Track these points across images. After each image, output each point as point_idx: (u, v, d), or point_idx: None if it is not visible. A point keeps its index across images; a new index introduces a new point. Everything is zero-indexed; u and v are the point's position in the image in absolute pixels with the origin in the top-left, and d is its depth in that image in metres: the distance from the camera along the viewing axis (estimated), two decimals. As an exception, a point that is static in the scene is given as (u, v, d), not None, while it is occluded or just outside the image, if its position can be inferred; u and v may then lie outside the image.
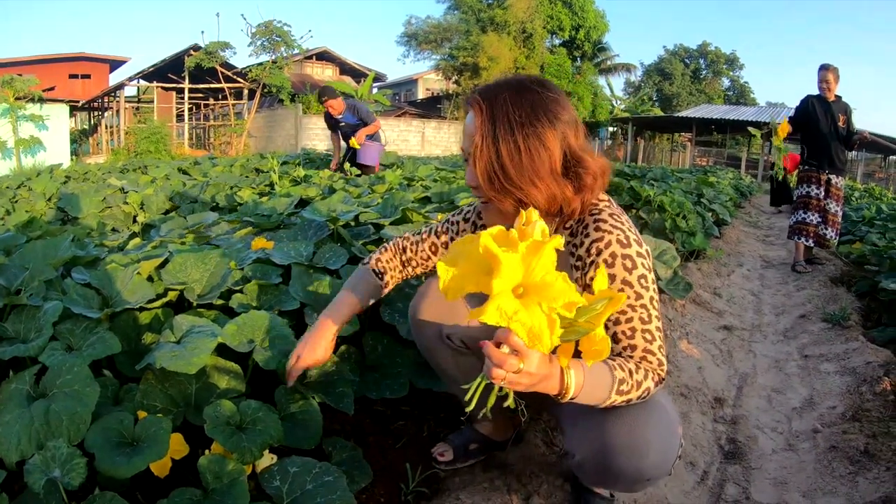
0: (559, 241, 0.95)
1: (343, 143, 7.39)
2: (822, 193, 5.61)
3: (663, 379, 1.34)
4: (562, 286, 0.93)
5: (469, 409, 1.09)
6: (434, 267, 1.73)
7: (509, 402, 1.12)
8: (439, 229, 1.73)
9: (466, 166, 1.42)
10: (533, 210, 1.04)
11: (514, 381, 1.06)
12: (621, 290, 1.32)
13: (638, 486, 1.47)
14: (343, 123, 7.35)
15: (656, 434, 1.34)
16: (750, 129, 8.72)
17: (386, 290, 1.76)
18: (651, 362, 1.33)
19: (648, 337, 1.33)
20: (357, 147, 7.17)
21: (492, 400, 1.10)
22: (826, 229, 5.62)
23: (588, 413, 1.37)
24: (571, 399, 1.18)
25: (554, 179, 1.33)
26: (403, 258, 1.75)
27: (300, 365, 1.60)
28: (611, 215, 1.40)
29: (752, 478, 2.15)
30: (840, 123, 5.43)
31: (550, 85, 1.38)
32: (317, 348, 1.60)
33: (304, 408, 1.67)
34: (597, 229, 1.37)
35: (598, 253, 1.35)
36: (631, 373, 1.27)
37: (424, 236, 1.74)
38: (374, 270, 1.73)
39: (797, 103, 5.74)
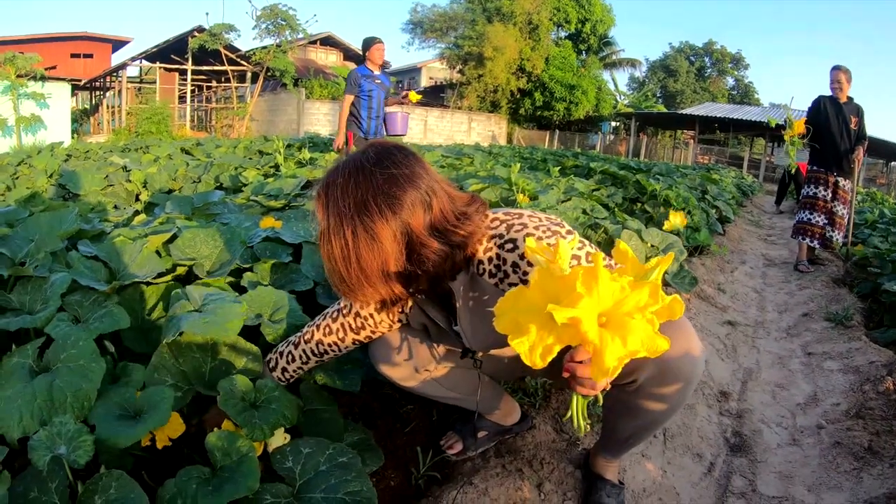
0: (600, 258, 0.93)
1: (363, 112, 6.42)
2: (830, 195, 5.55)
3: None
4: (631, 291, 0.91)
5: (581, 433, 1.07)
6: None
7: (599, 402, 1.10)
8: (355, 325, 1.55)
9: None
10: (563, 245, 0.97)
11: (603, 385, 1.03)
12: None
13: (689, 387, 1.37)
14: (378, 81, 6.44)
15: (693, 336, 1.33)
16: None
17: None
18: None
19: None
20: (414, 100, 6.66)
21: (581, 407, 1.07)
22: (832, 231, 5.56)
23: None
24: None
25: (384, 281, 1.22)
26: (323, 359, 1.62)
27: None
28: (505, 214, 1.34)
29: (757, 471, 2.14)
30: (852, 125, 5.35)
31: (395, 158, 1.21)
32: None
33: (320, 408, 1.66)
34: (511, 241, 1.28)
35: (521, 242, 1.26)
36: None
37: (342, 335, 1.57)
38: (279, 378, 1.64)
39: (809, 103, 5.65)
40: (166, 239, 2.14)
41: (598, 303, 0.89)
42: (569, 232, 1.28)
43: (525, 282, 1.22)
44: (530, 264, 1.19)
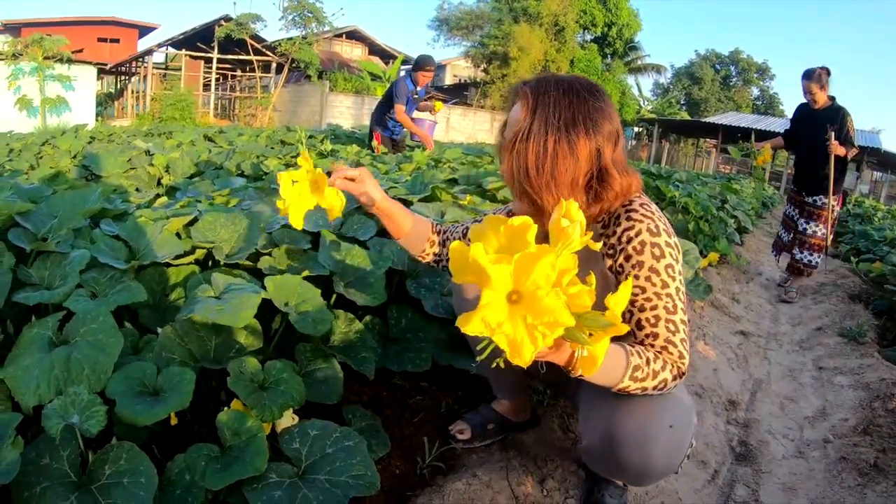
0: (568, 260, 0.93)
1: (392, 122, 6.92)
2: (797, 213, 5.25)
3: (683, 373, 1.32)
4: (551, 304, 0.89)
5: (480, 357, 1.06)
6: None
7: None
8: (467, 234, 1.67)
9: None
10: (573, 204, 1.03)
11: None
12: (648, 277, 1.32)
13: (642, 481, 1.45)
14: (416, 96, 6.90)
15: (666, 431, 1.32)
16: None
17: (429, 250, 1.72)
18: (672, 353, 1.31)
19: (672, 327, 1.31)
20: (439, 109, 7.17)
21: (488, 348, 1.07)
22: (801, 252, 5.14)
23: (602, 399, 1.37)
24: (580, 376, 1.15)
25: (570, 189, 1.31)
26: (443, 250, 1.73)
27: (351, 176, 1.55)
28: (642, 205, 1.40)
29: (761, 481, 2.15)
30: (828, 134, 4.75)
31: (601, 93, 1.35)
32: (372, 189, 1.56)
33: (325, 365, 1.68)
34: (628, 219, 1.37)
35: (629, 241, 1.35)
36: (649, 361, 1.26)
37: (459, 235, 1.70)
38: (432, 225, 1.72)
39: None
40: (187, 221, 2.16)
41: (515, 280, 0.91)
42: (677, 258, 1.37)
43: (626, 276, 1.34)
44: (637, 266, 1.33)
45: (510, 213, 1.64)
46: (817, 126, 4.88)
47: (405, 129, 7.02)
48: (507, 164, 1.33)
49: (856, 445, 2.37)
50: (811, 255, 5.10)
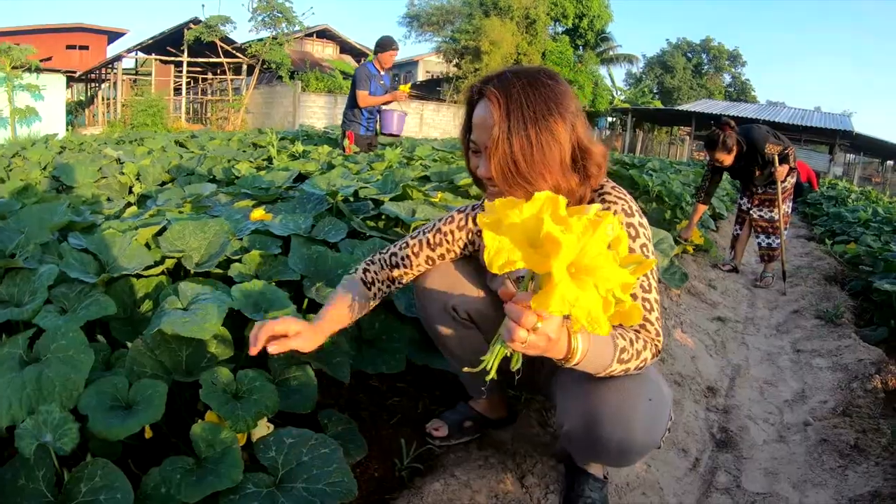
0: (611, 218, 0.93)
1: (364, 112, 6.51)
2: (749, 203, 5.21)
3: (660, 351, 1.36)
4: (615, 266, 0.90)
5: (489, 377, 1.07)
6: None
7: (514, 365, 1.09)
8: (432, 240, 1.64)
9: (478, 158, 1.41)
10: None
11: (531, 343, 1.03)
12: None
13: (625, 459, 1.46)
14: (382, 82, 6.51)
15: (645, 405, 1.34)
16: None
17: (372, 305, 1.69)
18: (649, 332, 1.34)
19: (648, 306, 1.35)
20: (405, 91, 6.52)
21: (495, 362, 1.08)
22: (761, 237, 5.18)
23: (580, 383, 1.38)
24: (575, 365, 1.18)
25: (562, 172, 1.35)
26: (393, 274, 1.67)
27: (284, 340, 1.45)
28: (613, 188, 1.46)
29: (743, 467, 2.16)
30: (772, 175, 4.76)
31: (559, 76, 1.39)
32: (307, 337, 1.48)
33: (299, 373, 1.67)
34: (603, 201, 1.42)
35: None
36: (631, 342, 1.28)
37: (417, 249, 1.65)
38: (362, 280, 1.66)
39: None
40: (156, 231, 2.14)
41: (579, 251, 0.89)
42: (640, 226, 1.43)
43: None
44: None
45: (478, 208, 1.64)
46: (744, 169, 4.91)
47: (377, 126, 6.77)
48: (495, 165, 1.33)
49: (836, 427, 2.39)
50: (768, 237, 5.15)
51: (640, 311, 0.99)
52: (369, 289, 1.66)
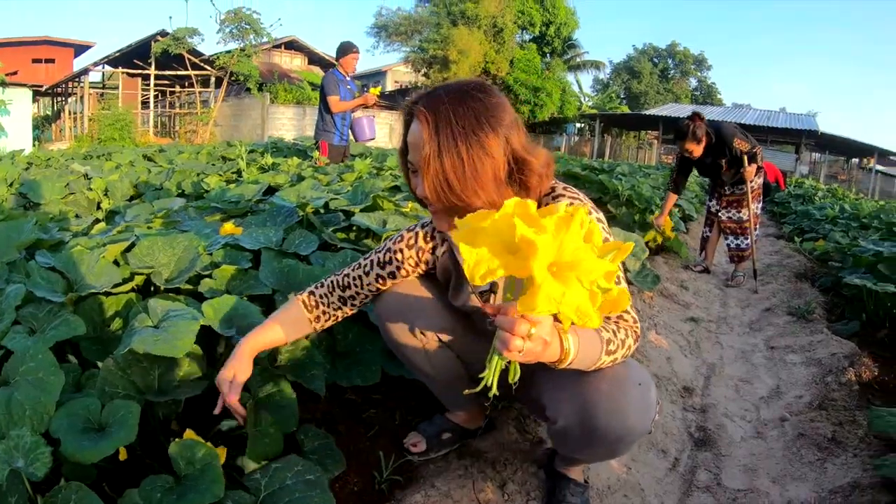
0: (583, 212, 0.93)
1: (336, 120, 6.48)
2: (718, 205, 5.22)
3: (639, 336, 1.37)
4: (594, 257, 0.90)
5: (492, 393, 1.07)
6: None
7: (512, 378, 1.09)
8: (382, 258, 1.63)
9: (417, 178, 1.38)
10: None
11: (528, 350, 1.03)
12: None
13: (621, 446, 1.45)
14: (349, 87, 6.48)
15: (636, 390, 1.36)
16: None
17: (318, 327, 1.69)
18: (627, 320, 1.36)
19: None
20: (375, 93, 6.48)
21: (495, 377, 1.08)
22: (730, 238, 5.19)
23: (568, 379, 1.38)
24: (569, 364, 1.18)
25: (496, 187, 1.33)
26: (345, 294, 1.67)
27: (232, 385, 1.52)
28: (565, 188, 1.46)
29: (722, 464, 2.17)
30: (740, 173, 4.79)
31: (491, 89, 1.37)
32: (240, 370, 1.53)
33: (275, 389, 1.65)
34: (556, 199, 1.42)
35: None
36: (615, 332, 1.30)
37: (368, 269, 1.65)
38: (303, 303, 1.67)
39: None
40: (124, 248, 2.11)
41: (557, 249, 0.89)
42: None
43: None
44: None
45: (422, 242, 1.62)
46: (711, 165, 4.92)
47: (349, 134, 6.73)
48: (429, 185, 1.32)
49: (812, 421, 2.42)
50: (737, 238, 5.17)
51: (627, 297, 0.99)
52: (310, 311, 1.67)
